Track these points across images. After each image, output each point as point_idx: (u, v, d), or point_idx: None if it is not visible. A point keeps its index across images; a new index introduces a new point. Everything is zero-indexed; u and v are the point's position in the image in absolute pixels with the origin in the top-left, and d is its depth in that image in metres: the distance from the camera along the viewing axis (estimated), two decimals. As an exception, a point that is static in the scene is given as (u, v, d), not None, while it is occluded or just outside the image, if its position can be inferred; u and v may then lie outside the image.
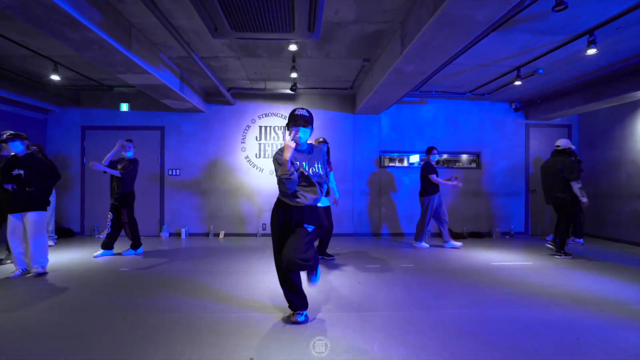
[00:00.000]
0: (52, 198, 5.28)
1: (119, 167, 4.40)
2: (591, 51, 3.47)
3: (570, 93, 5.55)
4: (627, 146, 5.65)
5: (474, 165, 6.60)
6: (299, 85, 5.66)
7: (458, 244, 5.15)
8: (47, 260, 3.60)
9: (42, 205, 3.56)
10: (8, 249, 3.84)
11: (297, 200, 2.26)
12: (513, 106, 6.54)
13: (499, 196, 6.53)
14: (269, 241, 5.43)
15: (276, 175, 2.24)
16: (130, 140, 4.53)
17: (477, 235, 6.19)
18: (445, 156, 6.60)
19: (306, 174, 2.24)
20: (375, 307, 2.72)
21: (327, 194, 2.47)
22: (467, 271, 3.83)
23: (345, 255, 4.61)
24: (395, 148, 6.46)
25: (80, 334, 2.23)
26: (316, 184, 2.29)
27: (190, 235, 6.15)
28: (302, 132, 2.23)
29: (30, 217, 3.46)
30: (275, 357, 1.93)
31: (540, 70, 4.67)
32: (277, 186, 2.32)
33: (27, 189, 3.44)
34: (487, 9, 2.55)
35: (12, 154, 3.54)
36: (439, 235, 6.23)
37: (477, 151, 6.53)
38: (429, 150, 5.23)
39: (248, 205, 6.23)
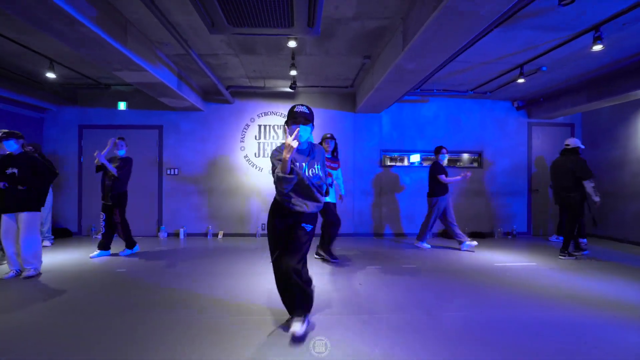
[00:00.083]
0: (49, 198, 5.22)
1: (113, 166, 4.31)
2: (597, 47, 3.40)
3: (574, 91, 5.48)
4: (631, 145, 5.58)
5: (475, 164, 6.53)
6: (298, 84, 5.59)
7: (474, 243, 4.90)
8: (40, 261, 3.53)
9: (35, 206, 3.49)
10: (2, 250, 3.78)
11: (297, 208, 2.16)
12: (515, 105, 6.47)
13: (501, 196, 6.47)
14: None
15: (273, 174, 2.12)
16: (122, 138, 4.44)
17: (479, 236, 6.11)
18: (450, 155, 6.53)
19: (305, 177, 2.13)
20: (376, 309, 2.65)
21: (327, 193, 2.35)
22: (469, 272, 3.77)
23: (345, 255, 4.54)
24: (396, 147, 6.39)
25: (77, 334, 2.19)
26: (315, 191, 2.18)
27: (188, 235, 6.09)
28: (303, 131, 2.10)
29: (23, 217, 3.40)
30: (276, 358, 1.88)
31: (544, 68, 4.61)
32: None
33: (19, 187, 3.37)
34: (491, 4, 2.48)
35: (7, 152, 3.48)
36: (440, 235, 6.19)
37: (478, 150, 6.46)
38: (438, 150, 5.06)
39: (247, 205, 6.16)
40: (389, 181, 6.34)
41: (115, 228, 4.37)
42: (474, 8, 2.52)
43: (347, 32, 3.77)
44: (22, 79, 5.15)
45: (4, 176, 3.37)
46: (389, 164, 6.44)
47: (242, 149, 6.20)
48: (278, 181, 2.04)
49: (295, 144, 1.95)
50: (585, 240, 5.39)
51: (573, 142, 4.55)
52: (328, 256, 4.17)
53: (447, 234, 5.95)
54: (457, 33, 2.95)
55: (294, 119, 2.11)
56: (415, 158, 6.46)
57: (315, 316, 2.46)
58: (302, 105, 2.15)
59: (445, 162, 5.05)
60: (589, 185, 4.30)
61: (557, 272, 3.77)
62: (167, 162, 6.14)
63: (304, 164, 2.15)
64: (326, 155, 4.16)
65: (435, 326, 2.33)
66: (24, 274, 3.41)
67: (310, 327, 2.27)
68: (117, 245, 4.66)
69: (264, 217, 6.13)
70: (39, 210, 3.56)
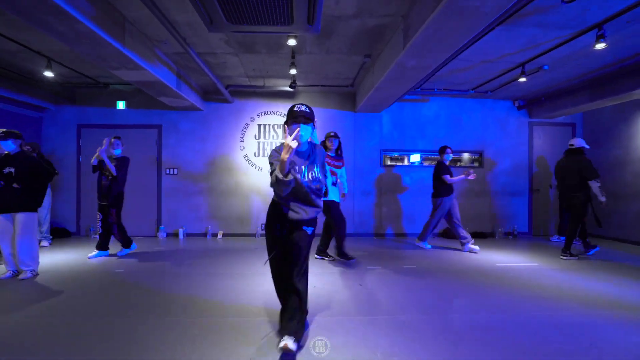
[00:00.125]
0: (48, 198, 5.19)
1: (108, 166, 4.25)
2: (600, 45, 3.36)
3: (575, 90, 5.45)
4: (633, 145, 5.54)
5: (476, 164, 6.49)
6: (298, 83, 5.56)
7: (476, 248, 4.78)
8: (36, 262, 3.49)
9: (32, 206, 3.44)
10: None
11: (296, 216, 2.07)
12: (516, 104, 6.43)
13: (501, 196, 6.43)
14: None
15: (271, 176, 2.00)
16: (118, 137, 4.37)
17: (480, 236, 6.08)
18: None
19: (303, 183, 2.02)
20: (378, 311, 2.62)
21: (326, 194, 2.29)
22: (471, 272, 3.73)
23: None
24: (397, 147, 6.35)
25: (76, 334, 2.17)
26: (314, 197, 2.09)
27: (187, 235, 6.05)
28: (303, 130, 1.98)
29: (19, 217, 3.35)
30: (276, 358, 1.85)
31: (546, 67, 4.57)
32: None
33: (14, 185, 3.32)
34: (494, 0, 2.44)
35: (5, 152, 3.44)
36: (441, 235, 6.16)
37: (479, 150, 6.42)
38: (442, 150, 4.98)
39: (246, 205, 6.12)
40: (389, 181, 6.30)
41: (110, 228, 4.29)
42: (476, 4, 2.49)
43: (348, 30, 3.73)
44: (21, 78, 5.11)
45: (1, 175, 3.33)
46: (389, 163, 6.40)
47: (242, 148, 6.16)
48: (276, 184, 1.94)
49: (294, 144, 1.85)
50: (587, 240, 5.38)
51: (578, 142, 4.51)
52: (342, 258, 4.11)
53: (448, 234, 5.93)
54: (459, 31, 2.91)
55: (294, 119, 2.00)
56: (416, 158, 6.43)
57: (315, 318, 2.43)
58: (301, 104, 2.04)
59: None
60: (595, 186, 4.25)
61: (559, 273, 3.73)
62: (167, 162, 6.10)
63: (303, 167, 2.06)
64: (330, 154, 4.13)
65: (437, 328, 2.30)
66: (21, 275, 3.37)
67: (310, 329, 2.24)
68: (116, 246, 4.62)
69: (263, 217, 6.04)
70: (36, 211, 3.51)
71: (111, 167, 4.17)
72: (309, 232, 2.12)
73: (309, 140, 2.13)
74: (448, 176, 4.78)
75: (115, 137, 4.32)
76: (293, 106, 2.04)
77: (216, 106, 6.15)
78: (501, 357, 1.94)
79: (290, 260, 2.05)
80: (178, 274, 3.62)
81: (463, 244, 4.85)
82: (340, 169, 4.20)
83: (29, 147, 4.46)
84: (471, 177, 4.76)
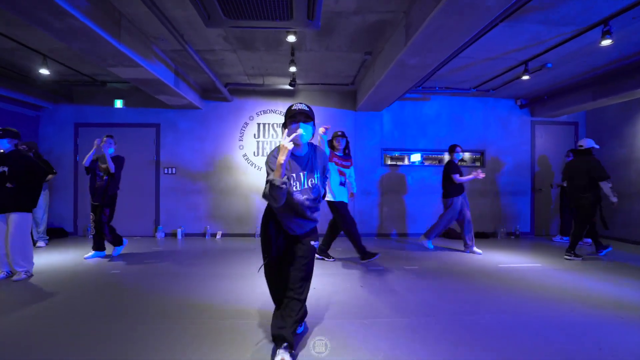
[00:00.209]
0: (45, 198, 5.12)
1: (104, 166, 4.18)
2: (606, 42, 3.30)
3: (579, 89, 5.38)
4: (637, 143, 5.48)
5: (478, 163, 6.43)
6: (298, 81, 5.49)
7: (479, 251, 4.68)
8: (31, 263, 3.42)
9: (26, 206, 3.38)
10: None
11: (292, 232, 1.94)
12: (518, 103, 6.36)
13: (503, 195, 6.36)
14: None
15: (266, 180, 1.80)
16: (110, 136, 4.25)
17: (482, 236, 6.01)
18: (446, 155, 6.42)
19: (298, 201, 1.85)
20: (379, 313, 2.55)
21: (324, 197, 2.15)
22: (473, 273, 3.66)
23: (346, 256, 4.44)
24: (398, 146, 6.29)
25: (74, 335, 2.14)
26: (309, 212, 1.91)
27: (186, 235, 5.98)
28: (303, 129, 1.80)
29: (13, 217, 3.29)
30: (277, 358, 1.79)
31: (549, 65, 4.50)
32: None
33: (8, 184, 3.26)
34: (499, -6, 2.38)
35: (0, 151, 3.38)
36: (442, 235, 6.08)
37: (481, 149, 6.35)
38: (452, 148, 4.85)
39: (246, 205, 6.06)
40: (390, 181, 6.23)
41: (102, 228, 4.16)
42: (480, -1, 2.42)
43: (348, 26, 3.66)
44: (17, 76, 5.04)
45: (-5, 175, 3.26)
46: (390, 163, 6.34)
47: (241, 147, 6.09)
48: (269, 193, 1.71)
49: (290, 145, 1.67)
50: (589, 240, 5.32)
51: (587, 142, 4.43)
52: (367, 258, 3.96)
53: (451, 234, 5.87)
54: (462, 27, 2.85)
55: (292, 118, 1.83)
56: (417, 157, 6.36)
57: (315, 320, 2.36)
58: (300, 103, 1.89)
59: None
60: (606, 186, 4.19)
61: (563, 273, 3.67)
62: (165, 161, 6.03)
63: (301, 174, 1.87)
64: (338, 154, 4.05)
65: (439, 330, 2.23)
66: (14, 277, 3.30)
67: (310, 332, 2.17)
68: (109, 246, 4.54)
69: (263, 217, 6.02)
70: (30, 211, 3.45)
71: (110, 164, 4.09)
72: (316, 246, 2.00)
73: (309, 141, 1.93)
74: (457, 175, 4.65)
75: (107, 136, 4.22)
76: (291, 106, 1.88)
77: (215, 105, 6.08)
78: (502, 358, 1.89)
79: (294, 276, 1.90)
80: (176, 274, 3.56)
81: (466, 246, 4.78)
82: (349, 168, 4.11)
83: (25, 147, 4.40)
84: (480, 176, 4.60)
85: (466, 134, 6.28)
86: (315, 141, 3.65)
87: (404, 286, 3.20)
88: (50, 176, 4.68)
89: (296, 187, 1.87)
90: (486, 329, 2.26)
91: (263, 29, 3.37)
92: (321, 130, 3.76)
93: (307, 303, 2.32)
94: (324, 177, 2.02)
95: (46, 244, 5.09)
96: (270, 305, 2.09)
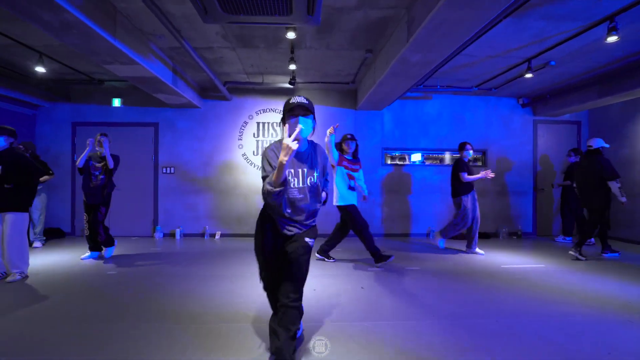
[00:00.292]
0: (43, 199, 5.05)
1: (99, 165, 4.10)
2: (612, 38, 3.23)
3: (582, 87, 5.31)
4: (641, 143, 5.41)
5: (479, 163, 6.36)
6: (298, 80, 5.42)
7: (481, 252, 4.61)
8: (26, 264, 3.35)
9: (22, 206, 3.31)
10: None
11: (289, 233, 1.84)
12: (520, 102, 6.30)
13: (505, 195, 6.30)
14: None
15: (263, 181, 1.71)
16: (105, 134, 4.15)
17: (484, 236, 5.93)
18: (447, 154, 6.35)
19: (295, 195, 1.77)
20: (381, 315, 2.48)
21: (325, 202, 2.03)
22: (476, 274, 3.60)
23: (346, 257, 4.37)
24: (399, 145, 6.22)
25: (64, 340, 2.05)
26: (306, 211, 1.83)
27: (185, 235, 5.91)
28: (303, 123, 1.69)
29: (9, 218, 3.22)
30: None
31: (553, 62, 4.44)
32: None
33: (5, 185, 3.19)
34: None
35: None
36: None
37: (483, 149, 6.29)
38: (462, 146, 4.72)
39: (245, 204, 5.99)
40: (390, 180, 6.16)
41: (96, 227, 4.05)
42: (486, -7, 2.35)
43: (349, 23, 3.59)
44: (13, 75, 4.98)
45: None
46: (390, 162, 6.27)
47: (240, 147, 6.02)
48: (268, 192, 1.63)
49: (295, 145, 1.52)
50: (592, 240, 5.27)
51: (596, 142, 4.36)
52: (382, 261, 3.82)
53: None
54: (466, 21, 2.78)
55: (291, 112, 1.73)
56: (418, 157, 6.30)
57: (315, 324, 2.29)
58: (299, 96, 1.79)
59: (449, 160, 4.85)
60: (614, 186, 4.15)
61: (567, 274, 3.60)
62: (163, 161, 5.96)
63: (300, 171, 1.78)
64: (347, 157, 3.97)
65: (442, 333, 2.17)
66: (9, 278, 3.23)
67: (311, 335, 2.11)
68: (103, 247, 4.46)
69: (262, 217, 5.95)
70: (27, 211, 3.38)
71: (109, 159, 4.02)
72: (311, 244, 1.86)
73: (309, 136, 1.81)
74: (465, 174, 4.53)
75: (101, 134, 4.13)
76: (289, 99, 1.78)
77: (214, 104, 6.01)
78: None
79: (289, 276, 1.78)
80: (174, 275, 3.49)
81: (469, 247, 4.70)
82: (358, 172, 4.03)
83: (22, 147, 4.32)
84: (490, 176, 4.43)
85: (468, 133, 6.21)
86: (322, 143, 3.57)
87: (405, 287, 3.14)
88: (46, 177, 4.62)
89: (294, 184, 1.78)
90: (491, 334, 2.19)
91: (262, 25, 3.29)
92: (330, 130, 3.64)
93: (307, 306, 2.27)
94: (324, 178, 1.93)
95: (42, 245, 5.02)
96: (269, 307, 2.02)
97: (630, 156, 5.57)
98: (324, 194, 1.99)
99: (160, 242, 5.42)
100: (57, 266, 3.83)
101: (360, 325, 2.29)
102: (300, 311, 1.92)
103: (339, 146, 4.04)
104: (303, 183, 1.79)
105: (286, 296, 1.75)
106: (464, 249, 4.81)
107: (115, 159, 4.15)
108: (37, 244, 4.95)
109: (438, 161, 6.36)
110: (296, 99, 1.76)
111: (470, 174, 4.55)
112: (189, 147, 5.98)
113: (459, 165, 4.62)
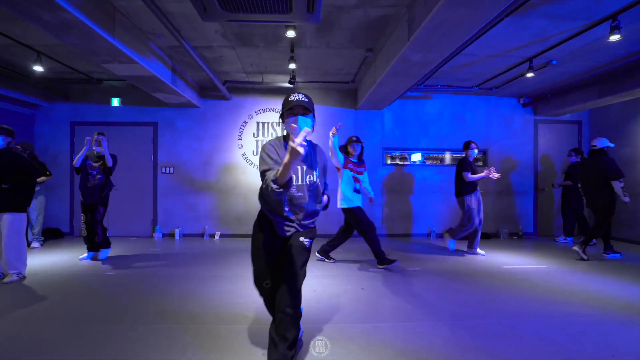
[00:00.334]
0: (40, 200, 5.02)
1: (96, 164, 4.08)
2: (614, 37, 3.21)
3: (584, 86, 5.29)
4: (642, 142, 5.40)
5: (480, 163, 6.34)
6: (297, 79, 5.40)
7: (482, 252, 4.58)
8: (24, 265, 3.33)
9: (20, 207, 3.28)
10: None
11: (287, 233, 1.79)
12: (521, 101, 6.28)
13: (506, 195, 6.28)
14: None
15: (261, 178, 1.65)
16: (102, 133, 4.11)
17: (484, 237, 5.91)
18: (447, 154, 6.33)
19: (294, 192, 1.72)
20: (382, 317, 2.46)
21: (326, 207, 1.98)
22: (477, 275, 3.58)
23: (346, 258, 4.35)
24: (399, 145, 6.20)
25: (61, 342, 2.03)
26: (305, 211, 1.79)
27: (184, 236, 5.89)
28: (302, 123, 1.66)
29: (7, 218, 3.20)
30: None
31: (554, 62, 4.42)
32: None
33: (3, 185, 3.17)
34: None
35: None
36: (444, 236, 5.99)
37: (483, 148, 6.26)
38: (467, 145, 4.64)
39: (245, 204, 5.97)
40: (391, 180, 6.14)
41: (94, 227, 4.02)
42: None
43: (349, 21, 3.57)
44: (11, 74, 4.95)
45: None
46: (391, 162, 6.25)
47: (240, 146, 6.00)
48: (271, 191, 1.52)
49: (302, 150, 1.36)
50: (594, 240, 5.24)
51: (600, 142, 4.34)
52: (385, 264, 3.77)
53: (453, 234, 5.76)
54: (467, 20, 2.75)
55: (290, 110, 1.70)
56: (418, 157, 6.28)
57: (315, 325, 2.27)
58: (298, 93, 1.73)
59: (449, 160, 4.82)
60: (617, 186, 4.14)
61: (569, 275, 3.58)
62: (162, 161, 5.94)
63: (298, 168, 1.75)
64: (352, 159, 3.94)
65: (444, 335, 2.15)
66: (6, 279, 3.20)
67: (310, 338, 2.08)
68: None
69: (262, 217, 5.93)
70: (25, 212, 3.36)
71: (108, 157, 3.99)
72: (307, 244, 1.79)
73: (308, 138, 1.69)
74: (468, 173, 4.48)
75: (98, 133, 4.10)
76: (288, 96, 1.73)
77: (213, 103, 5.99)
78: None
79: (287, 277, 1.71)
80: (173, 275, 3.47)
81: (470, 247, 4.68)
82: (363, 174, 3.99)
83: (19, 147, 4.30)
84: (494, 175, 4.32)
85: (468, 133, 6.18)
86: (322, 141, 3.54)
87: (406, 288, 3.12)
88: (43, 178, 4.59)
89: (292, 182, 1.71)
90: (493, 335, 2.17)
91: (261, 23, 3.27)
92: (332, 131, 3.56)
93: (307, 307, 2.25)
94: (324, 175, 1.89)
95: (41, 245, 5.00)
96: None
97: (632, 156, 5.55)
98: (325, 197, 1.96)
99: (160, 243, 5.40)
100: (55, 266, 3.81)
101: (361, 327, 2.27)
102: (298, 315, 1.85)
103: (343, 148, 4.00)
104: (302, 181, 1.76)
105: (284, 303, 1.67)
106: (465, 249, 4.78)
107: (113, 158, 4.12)
108: (35, 244, 4.93)
109: (438, 161, 6.34)
110: (295, 97, 1.72)
111: (473, 173, 4.51)
112: (188, 146, 5.95)
113: (463, 165, 4.57)
